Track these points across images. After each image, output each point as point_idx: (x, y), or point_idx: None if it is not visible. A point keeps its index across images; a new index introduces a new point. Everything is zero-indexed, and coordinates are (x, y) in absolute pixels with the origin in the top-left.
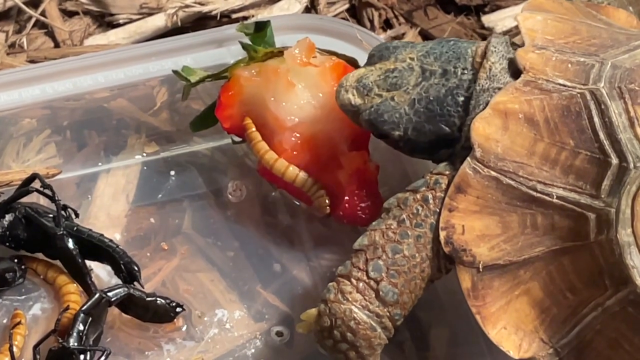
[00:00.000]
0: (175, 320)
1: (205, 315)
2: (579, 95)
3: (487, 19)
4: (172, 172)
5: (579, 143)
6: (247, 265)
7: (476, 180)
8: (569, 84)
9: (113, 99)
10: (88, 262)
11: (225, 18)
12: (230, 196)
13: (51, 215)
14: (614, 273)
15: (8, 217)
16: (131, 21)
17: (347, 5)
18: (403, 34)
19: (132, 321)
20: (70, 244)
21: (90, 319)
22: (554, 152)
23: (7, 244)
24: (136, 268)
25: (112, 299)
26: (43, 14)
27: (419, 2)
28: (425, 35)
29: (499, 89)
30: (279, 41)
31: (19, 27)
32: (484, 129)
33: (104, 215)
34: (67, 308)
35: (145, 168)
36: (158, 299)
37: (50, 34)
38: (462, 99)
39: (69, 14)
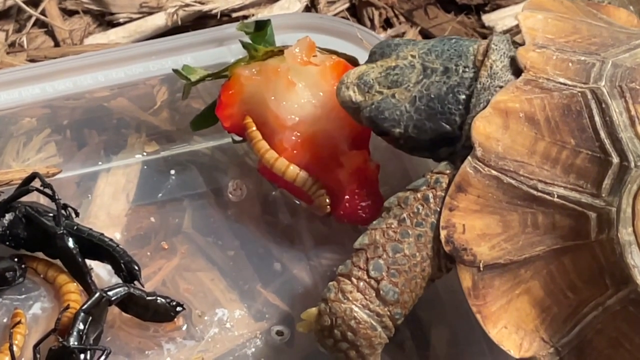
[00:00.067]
0: (175, 319)
1: (206, 315)
2: (579, 94)
3: (488, 18)
4: (173, 171)
5: (579, 142)
6: (248, 265)
7: (477, 179)
8: (569, 82)
9: (113, 98)
10: (88, 261)
11: (226, 17)
12: (230, 195)
13: (51, 215)
14: (615, 272)
15: (8, 216)
16: (131, 20)
17: (347, 4)
18: (403, 33)
19: (133, 320)
20: (71, 243)
21: (91, 318)
22: (554, 151)
23: (7, 243)
24: (136, 267)
25: (113, 298)
26: (43, 13)
27: (419, 1)
28: (426, 35)
29: (500, 87)
30: (279, 40)
31: (19, 26)
32: (484, 127)
33: (104, 214)
34: (68, 307)
35: (145, 167)
36: (158, 298)
37: (50, 33)
38: (463, 97)
39: (69, 13)
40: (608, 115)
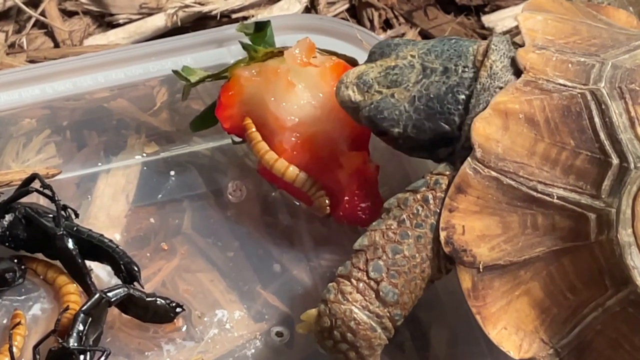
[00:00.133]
0: (175, 320)
1: (205, 316)
2: (579, 95)
3: (487, 19)
4: (172, 172)
5: (579, 143)
6: (247, 266)
7: (476, 181)
8: (569, 84)
9: (113, 99)
10: (88, 263)
11: (225, 18)
12: (230, 196)
13: (51, 216)
14: (615, 273)
15: (8, 217)
16: (131, 21)
17: (347, 5)
18: (403, 34)
19: (132, 321)
20: (70, 244)
21: (90, 319)
22: (554, 152)
23: (7, 244)
24: (136, 268)
25: (112, 299)
26: (43, 14)
27: (419, 2)
28: (425, 36)
29: (500, 88)
30: (279, 41)
31: (19, 27)
32: (484, 129)
33: (103, 215)
34: (67, 308)
35: (145, 168)
36: (158, 299)
37: (50, 34)
38: (462, 97)
39: (68, 14)
40: (608, 116)
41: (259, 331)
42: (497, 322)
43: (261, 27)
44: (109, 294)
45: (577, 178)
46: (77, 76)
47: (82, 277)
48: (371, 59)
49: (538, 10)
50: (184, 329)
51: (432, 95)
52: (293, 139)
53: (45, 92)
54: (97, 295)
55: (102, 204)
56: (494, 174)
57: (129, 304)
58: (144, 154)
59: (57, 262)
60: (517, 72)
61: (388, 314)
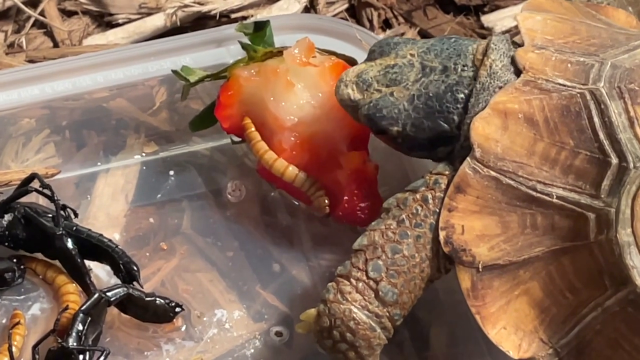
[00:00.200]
0: (174, 320)
1: (205, 315)
2: (578, 95)
3: (487, 19)
4: (171, 172)
5: (578, 143)
6: (247, 265)
7: (476, 180)
8: (568, 83)
9: (112, 98)
10: (87, 262)
11: (225, 18)
12: (229, 196)
13: (50, 215)
14: (614, 273)
15: (7, 217)
16: (130, 21)
17: (346, 5)
18: (402, 34)
19: (131, 321)
20: (70, 243)
21: (90, 319)
22: (553, 152)
23: (6, 243)
24: (135, 268)
25: (111, 299)
26: (42, 13)
27: (418, 2)
28: (425, 35)
29: (500, 87)
30: (278, 41)
31: (18, 27)
32: (483, 128)
33: (103, 215)
34: (66, 308)
35: (144, 168)
36: (157, 299)
37: (49, 33)
38: (461, 95)
39: (68, 14)
40: (607, 116)
41: (258, 331)
42: (497, 321)
43: (260, 27)
44: (108, 294)
45: (576, 178)
46: (76, 76)
47: (81, 277)
48: (371, 57)
49: (537, 10)
50: (183, 328)
51: (431, 94)
52: (292, 138)
53: (45, 92)
54: (96, 295)
55: (102, 204)
56: (493, 173)
57: (128, 304)
58: (143, 154)
59: (57, 262)
60: (517, 71)
61: (387, 314)
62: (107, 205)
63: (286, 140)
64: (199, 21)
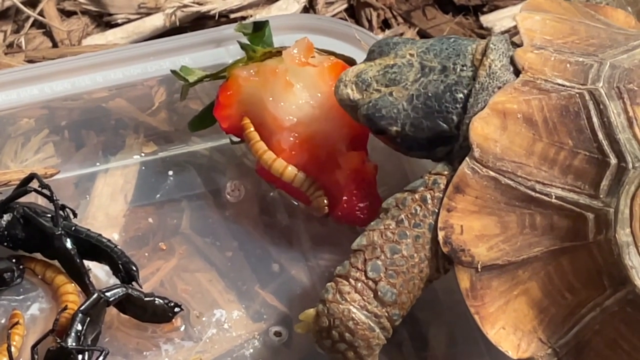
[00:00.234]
0: (173, 320)
1: (204, 315)
2: (577, 95)
3: (486, 19)
4: (171, 172)
5: (577, 143)
6: (246, 265)
7: (475, 180)
8: (567, 83)
9: (111, 98)
10: (86, 262)
11: (224, 18)
12: (228, 196)
13: (49, 215)
14: (613, 273)
15: (6, 217)
16: (129, 21)
17: (345, 5)
18: (401, 34)
19: (131, 321)
20: (69, 243)
21: (89, 319)
22: (552, 152)
23: (5, 243)
24: (134, 268)
25: (111, 299)
26: (41, 13)
27: (417, 2)
28: (424, 35)
29: (499, 87)
30: (277, 41)
31: (17, 27)
32: (482, 128)
33: (102, 215)
34: (65, 308)
35: (143, 168)
36: (156, 299)
37: (49, 33)
38: (460, 95)
39: (67, 14)
40: (606, 116)
41: (257, 331)
42: (496, 321)
43: (259, 27)
44: (107, 294)
45: (575, 178)
46: (76, 76)
47: (80, 277)
48: (370, 57)
49: (536, 10)
50: (182, 328)
51: (430, 94)
52: (291, 138)
53: (44, 92)
54: (95, 295)
55: (101, 204)
56: (492, 173)
57: (127, 304)
58: (142, 154)
59: (56, 262)
60: (516, 71)
61: (386, 314)
62: (106, 205)
63: (285, 140)
64: (198, 21)
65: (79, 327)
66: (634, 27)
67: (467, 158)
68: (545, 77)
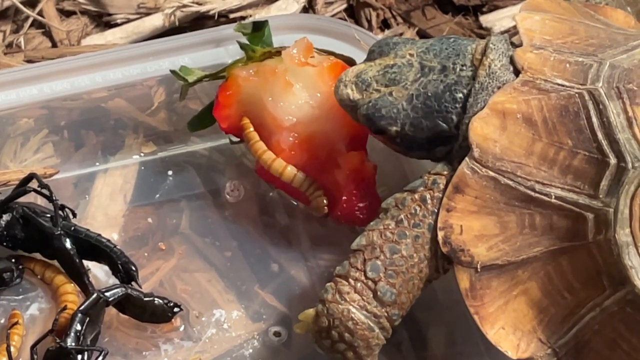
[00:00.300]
0: (172, 320)
1: (203, 315)
2: (577, 95)
3: (485, 19)
4: (170, 172)
5: (577, 143)
6: (245, 265)
7: (474, 180)
8: (567, 83)
9: (110, 98)
10: (85, 262)
11: (223, 18)
12: (228, 196)
13: (49, 215)
14: (612, 273)
15: (5, 217)
16: (129, 21)
17: (344, 5)
18: (401, 34)
19: (130, 321)
20: (68, 243)
21: (88, 319)
22: (552, 152)
23: (5, 243)
24: (134, 268)
25: (110, 299)
26: (40, 13)
27: (417, 2)
28: (423, 36)
29: (499, 87)
30: (276, 41)
31: (17, 27)
32: (482, 128)
33: (101, 215)
34: (65, 308)
35: (142, 168)
36: (156, 299)
37: (48, 33)
38: (460, 95)
39: (66, 14)
40: (605, 116)
41: (256, 331)
42: (495, 322)
43: (259, 27)
44: (107, 294)
45: (574, 178)
46: (75, 76)
47: (79, 277)
48: (370, 57)
49: (536, 10)
50: (181, 328)
51: (429, 94)
52: (291, 138)
53: (43, 92)
54: (94, 295)
55: (100, 204)
56: (491, 173)
57: (126, 304)
58: (142, 154)
59: (55, 262)
60: (516, 71)
61: (386, 314)
62: (105, 205)
63: (285, 140)
64: (198, 21)
65: (79, 327)
66: (634, 27)
67: (466, 158)
68: (544, 77)
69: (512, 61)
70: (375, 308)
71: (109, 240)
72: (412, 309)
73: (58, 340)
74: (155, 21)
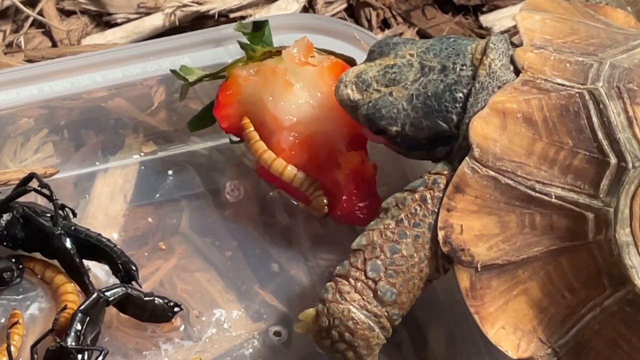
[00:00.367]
0: (173, 320)
1: (203, 315)
2: (577, 94)
3: (485, 19)
4: (170, 172)
5: (577, 143)
6: (245, 265)
7: (474, 180)
8: (567, 83)
9: (111, 98)
10: (86, 262)
11: (223, 17)
12: (228, 196)
13: (49, 215)
14: (613, 273)
15: (5, 217)
16: (129, 20)
17: (344, 5)
18: (401, 34)
19: (130, 321)
20: (68, 243)
21: (88, 318)
22: (552, 152)
23: (5, 243)
24: (134, 268)
25: (110, 299)
26: (40, 13)
27: (417, 2)
28: (423, 35)
29: (499, 87)
30: (277, 41)
31: (17, 27)
32: (482, 128)
33: (101, 214)
34: (65, 308)
35: (142, 168)
36: (156, 298)
37: (48, 33)
38: (460, 95)
39: (66, 14)
40: (606, 116)
41: (257, 331)
42: (495, 321)
43: (259, 27)
44: (107, 294)
45: (575, 177)
46: (75, 76)
47: (79, 277)
48: (370, 57)
49: (536, 10)
50: (181, 328)
51: (429, 94)
52: (291, 138)
53: (43, 92)
54: (94, 295)
55: (100, 204)
56: (492, 173)
57: (126, 304)
58: (142, 154)
59: (55, 262)
60: (516, 71)
61: (386, 314)
62: (105, 204)
63: (285, 140)
64: (198, 21)
65: (79, 327)
66: (634, 26)
67: (467, 158)
68: (545, 76)
69: (512, 61)
70: (376, 308)
71: (109, 240)
72: (413, 309)
73: (58, 340)
74: (156, 21)
